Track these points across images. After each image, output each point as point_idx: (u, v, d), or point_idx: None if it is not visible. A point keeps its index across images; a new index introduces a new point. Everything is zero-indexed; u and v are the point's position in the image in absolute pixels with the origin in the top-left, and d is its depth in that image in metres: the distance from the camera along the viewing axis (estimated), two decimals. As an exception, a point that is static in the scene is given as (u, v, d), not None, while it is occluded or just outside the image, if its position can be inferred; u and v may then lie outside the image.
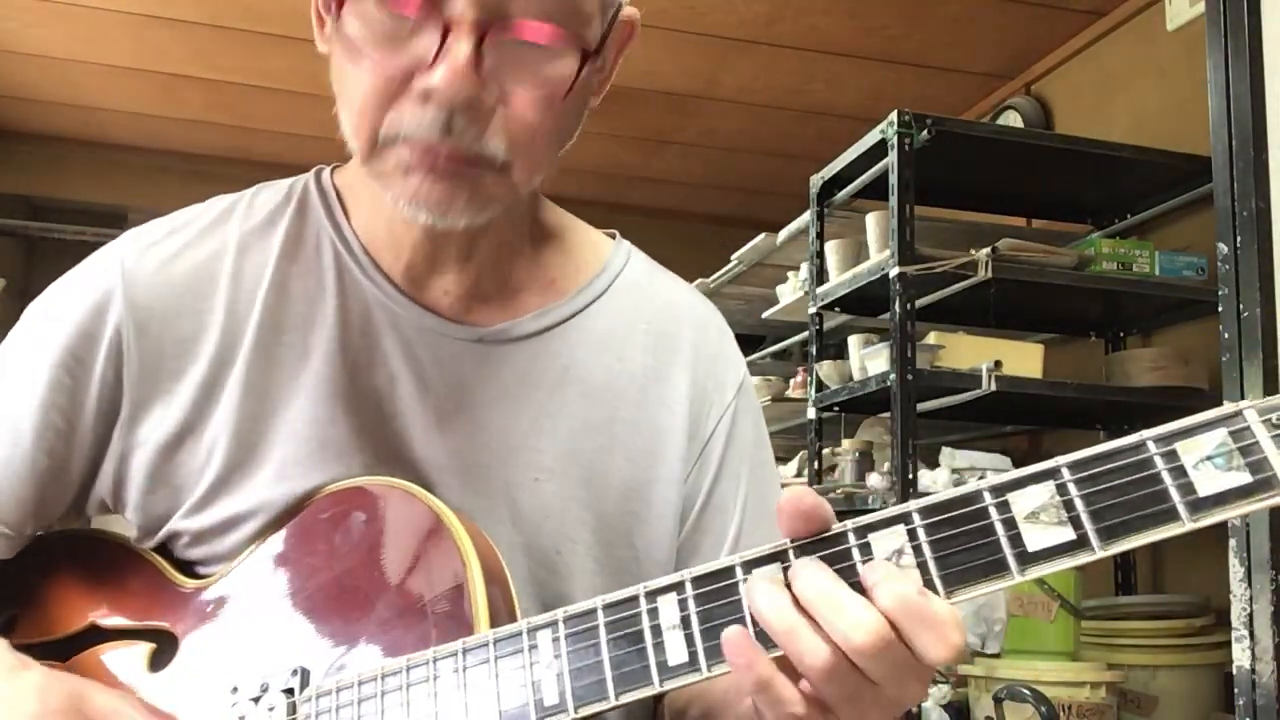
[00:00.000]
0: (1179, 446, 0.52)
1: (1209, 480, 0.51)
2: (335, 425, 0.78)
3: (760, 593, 0.56)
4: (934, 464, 2.41)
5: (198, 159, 4.44)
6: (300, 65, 3.56)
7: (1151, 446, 0.52)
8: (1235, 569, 1.49)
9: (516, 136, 0.71)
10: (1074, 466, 0.54)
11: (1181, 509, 0.51)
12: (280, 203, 0.85)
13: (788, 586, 0.57)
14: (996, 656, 2.15)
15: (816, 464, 2.69)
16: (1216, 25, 1.59)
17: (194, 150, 4.40)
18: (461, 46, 0.67)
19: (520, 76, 0.70)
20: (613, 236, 0.93)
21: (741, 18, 3.18)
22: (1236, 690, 1.49)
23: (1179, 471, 0.51)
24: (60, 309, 0.81)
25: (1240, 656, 1.47)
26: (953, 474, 2.30)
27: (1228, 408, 0.52)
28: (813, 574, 0.55)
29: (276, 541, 0.78)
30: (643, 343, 0.86)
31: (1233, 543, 1.49)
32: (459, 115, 0.68)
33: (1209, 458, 0.51)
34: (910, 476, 2.19)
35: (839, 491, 2.60)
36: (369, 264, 0.82)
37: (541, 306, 0.84)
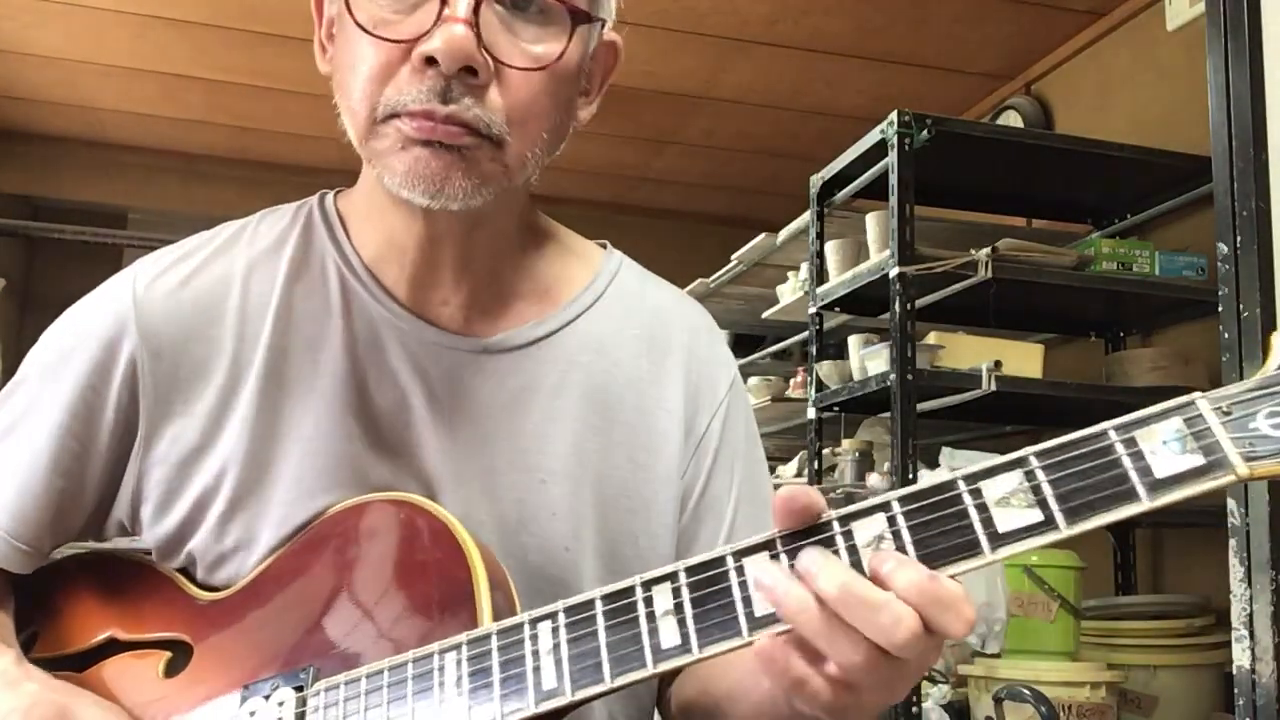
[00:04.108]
0: (1138, 434, 0.57)
1: (1166, 463, 0.55)
2: (348, 441, 0.81)
3: (789, 597, 0.57)
4: (934, 464, 2.41)
5: (198, 159, 4.45)
6: (300, 65, 3.55)
7: (1113, 435, 0.57)
8: (1235, 569, 1.49)
9: (511, 111, 0.74)
10: (1041, 455, 0.58)
11: (1141, 489, 0.55)
12: (286, 227, 0.88)
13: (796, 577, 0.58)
14: (996, 656, 2.15)
15: (816, 464, 2.69)
16: (1216, 25, 1.59)
17: (194, 150, 4.40)
18: (460, 7, 0.71)
19: (514, 46, 0.74)
20: (604, 247, 0.96)
21: (742, 18, 3.18)
22: (1236, 690, 1.48)
23: (1138, 456, 0.56)
24: (76, 338, 0.84)
25: (1240, 656, 1.47)
26: (952, 474, 2.30)
27: (1182, 399, 0.57)
28: (833, 570, 0.57)
29: (290, 554, 0.80)
30: (636, 347, 0.89)
31: (1233, 543, 1.49)
32: (456, 82, 0.72)
33: (1165, 443, 0.56)
34: (910, 476, 2.19)
35: (839, 491, 2.60)
36: (372, 283, 0.84)
37: (539, 316, 0.87)
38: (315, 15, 0.83)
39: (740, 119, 3.89)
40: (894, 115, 2.32)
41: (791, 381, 3.38)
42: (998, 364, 2.23)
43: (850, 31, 3.24)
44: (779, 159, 4.19)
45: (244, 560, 0.81)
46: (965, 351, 2.34)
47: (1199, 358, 2.44)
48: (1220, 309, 1.54)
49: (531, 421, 0.84)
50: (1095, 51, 3.14)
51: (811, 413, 2.70)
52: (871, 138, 2.41)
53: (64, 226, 4.31)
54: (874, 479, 2.56)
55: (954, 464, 2.33)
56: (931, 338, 2.37)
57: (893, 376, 2.24)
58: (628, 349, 0.89)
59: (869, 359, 2.47)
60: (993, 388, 2.20)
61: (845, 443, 2.79)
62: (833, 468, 2.81)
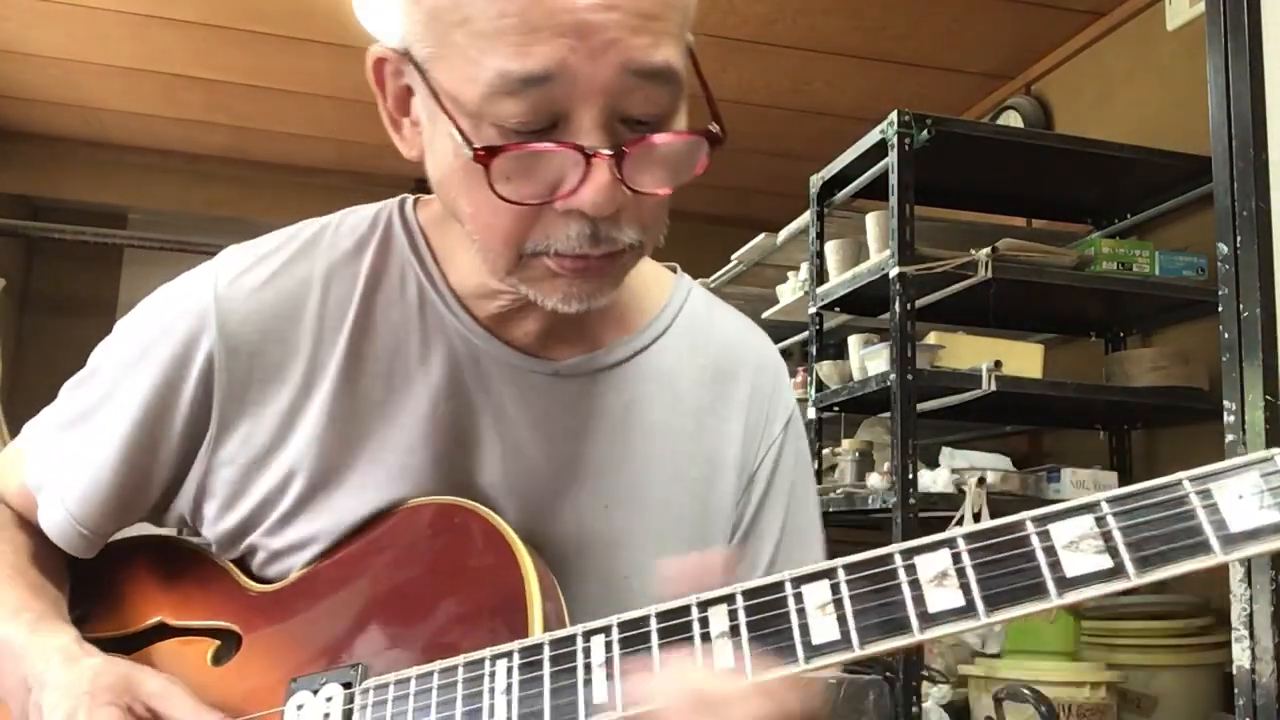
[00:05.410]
0: (1213, 486, 0.55)
1: (1242, 517, 0.54)
2: (416, 454, 0.81)
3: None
4: (934, 464, 2.41)
5: (198, 159, 4.44)
6: (300, 65, 3.56)
7: (1187, 485, 0.56)
8: (1235, 569, 1.49)
9: (648, 221, 0.74)
10: (1113, 501, 0.57)
11: (1215, 542, 0.54)
12: (366, 232, 0.87)
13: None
14: (997, 656, 2.15)
15: (816, 464, 2.69)
16: (1216, 25, 1.59)
17: (194, 150, 4.40)
18: (603, 171, 0.67)
19: (654, 177, 0.71)
20: (673, 270, 0.95)
21: (742, 18, 3.18)
22: (1236, 690, 1.48)
23: (1213, 509, 0.55)
24: (156, 331, 0.84)
25: (1240, 656, 1.47)
26: (953, 474, 2.30)
27: (1261, 453, 0.55)
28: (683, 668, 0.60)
29: (345, 553, 0.81)
30: (701, 378, 0.90)
31: (1233, 543, 1.49)
32: (602, 224, 0.70)
33: (1241, 497, 0.54)
34: (910, 476, 2.18)
35: (839, 491, 2.60)
36: (453, 300, 0.84)
37: (612, 341, 0.87)
38: (376, 89, 0.77)
39: (740, 119, 3.88)
40: (894, 115, 2.32)
41: (791, 381, 3.38)
42: (998, 364, 2.23)
43: (850, 31, 3.24)
44: (779, 159, 4.19)
45: (299, 558, 0.82)
46: (965, 351, 2.34)
47: (1199, 358, 2.44)
48: (1220, 309, 1.54)
49: (597, 448, 0.84)
50: (1095, 51, 3.14)
51: (811, 413, 2.70)
52: (871, 138, 2.41)
53: (64, 226, 4.31)
54: (874, 479, 2.56)
55: (954, 464, 2.33)
56: (931, 338, 2.37)
57: (893, 376, 2.23)
58: (692, 380, 0.89)
59: (869, 359, 2.47)
60: (993, 388, 2.20)
61: (845, 443, 2.79)
62: (833, 468, 2.80)
